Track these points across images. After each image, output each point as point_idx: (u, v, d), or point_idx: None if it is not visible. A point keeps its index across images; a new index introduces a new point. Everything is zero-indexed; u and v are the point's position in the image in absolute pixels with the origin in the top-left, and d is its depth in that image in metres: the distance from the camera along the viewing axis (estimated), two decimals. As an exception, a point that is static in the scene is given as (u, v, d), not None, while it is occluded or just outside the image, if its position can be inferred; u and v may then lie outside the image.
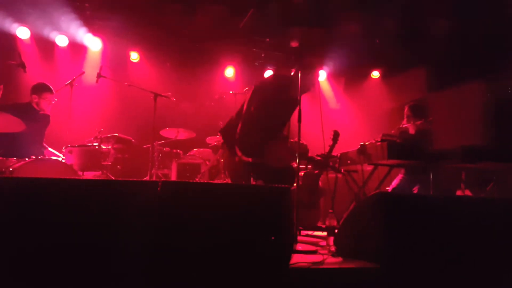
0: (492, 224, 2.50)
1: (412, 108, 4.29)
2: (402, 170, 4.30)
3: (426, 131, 4.01)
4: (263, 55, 7.08)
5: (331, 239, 2.70)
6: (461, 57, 5.62)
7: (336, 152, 4.14)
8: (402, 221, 2.33)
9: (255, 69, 7.28)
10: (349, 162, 4.04)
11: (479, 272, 2.37)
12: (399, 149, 3.53)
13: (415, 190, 4.03)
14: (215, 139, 5.43)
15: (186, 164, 5.42)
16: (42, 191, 1.91)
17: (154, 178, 5.04)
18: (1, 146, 3.90)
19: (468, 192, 4.08)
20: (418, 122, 4.10)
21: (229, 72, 7.17)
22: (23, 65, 3.88)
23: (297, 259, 2.19)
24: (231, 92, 5.65)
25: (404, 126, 4.21)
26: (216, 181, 5.08)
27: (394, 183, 4.30)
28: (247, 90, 5.19)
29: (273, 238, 1.99)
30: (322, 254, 2.42)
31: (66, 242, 1.85)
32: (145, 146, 5.28)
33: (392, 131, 4.23)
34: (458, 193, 4.07)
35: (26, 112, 4.14)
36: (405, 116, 4.31)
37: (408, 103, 4.45)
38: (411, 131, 4.09)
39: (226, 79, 7.14)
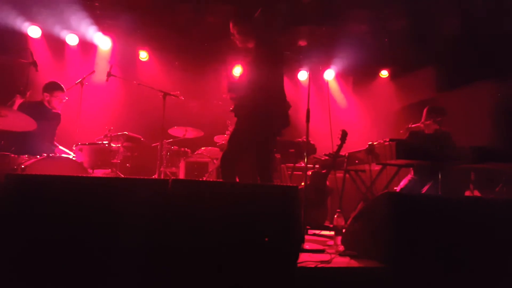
0: (499, 224, 2.48)
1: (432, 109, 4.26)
2: (411, 171, 4.28)
3: (445, 132, 4.01)
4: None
5: (339, 238, 2.71)
6: (471, 57, 5.56)
7: (344, 151, 4.14)
8: (411, 222, 2.33)
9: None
10: (357, 161, 4.02)
11: (486, 274, 2.36)
12: (408, 149, 3.51)
13: (424, 190, 4.01)
14: (223, 138, 5.45)
15: (194, 162, 5.45)
16: (53, 188, 1.94)
17: (162, 176, 5.07)
18: (13, 143, 3.97)
19: (477, 193, 4.04)
20: (427, 122, 4.08)
21: (238, 71, 7.18)
22: (35, 64, 3.93)
23: (304, 258, 2.20)
24: (239, 91, 5.66)
25: (413, 126, 4.19)
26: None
27: (403, 183, 4.28)
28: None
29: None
30: (330, 253, 2.42)
31: (76, 239, 1.88)
32: (153, 145, 5.32)
33: (401, 131, 4.21)
34: (467, 193, 4.04)
35: (38, 110, 4.20)
36: (425, 116, 4.26)
37: (428, 103, 4.42)
38: (428, 130, 4.07)
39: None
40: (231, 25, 3.29)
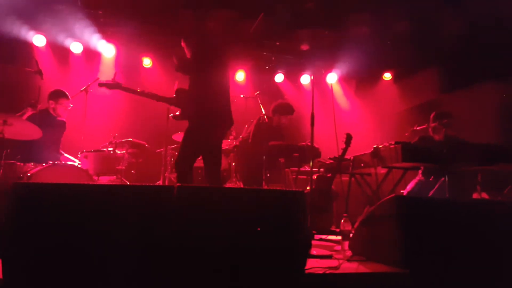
0: (506, 226, 2.45)
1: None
2: (419, 173, 4.26)
3: (454, 137, 3.99)
4: (273, 59, 7.09)
5: (346, 243, 2.69)
6: (475, 58, 5.54)
7: (349, 155, 4.12)
8: (418, 225, 2.31)
9: (266, 73, 7.29)
10: (362, 165, 4.00)
11: (495, 277, 2.33)
12: (414, 151, 3.49)
13: (431, 193, 3.98)
14: (226, 143, 5.44)
15: (197, 168, 5.42)
16: (59, 196, 1.94)
17: (166, 182, 5.08)
18: (19, 152, 3.99)
19: (484, 195, 4.00)
20: (433, 124, 4.06)
21: (240, 76, 7.19)
22: (40, 73, 3.96)
23: (312, 264, 2.18)
24: (241, 96, 5.66)
25: (419, 128, 4.17)
26: (228, 185, 5.10)
27: (409, 186, 4.25)
28: (258, 94, 5.19)
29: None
30: (338, 259, 2.40)
31: (82, 246, 1.88)
32: (158, 151, 5.32)
33: (406, 134, 4.19)
34: (475, 195, 4.00)
35: (44, 118, 4.23)
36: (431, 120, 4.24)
37: (431, 105, 4.42)
38: (438, 136, 4.05)
39: (236, 83, 7.15)
40: (182, 41, 3.84)
